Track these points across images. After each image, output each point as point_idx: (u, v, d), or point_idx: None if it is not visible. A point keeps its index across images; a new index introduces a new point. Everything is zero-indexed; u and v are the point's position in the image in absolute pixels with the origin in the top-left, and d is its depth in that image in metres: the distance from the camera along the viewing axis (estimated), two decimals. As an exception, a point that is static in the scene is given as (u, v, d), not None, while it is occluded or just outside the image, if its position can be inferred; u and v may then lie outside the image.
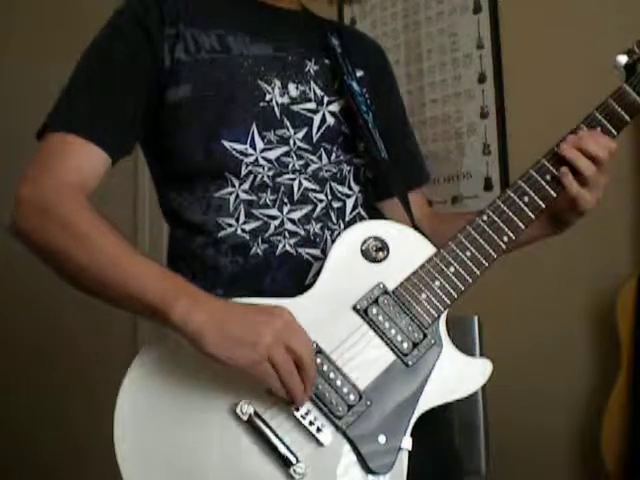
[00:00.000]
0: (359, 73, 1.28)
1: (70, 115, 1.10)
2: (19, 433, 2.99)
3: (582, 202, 1.11)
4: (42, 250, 1.03)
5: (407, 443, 1.00)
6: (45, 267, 1.04)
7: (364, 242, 1.06)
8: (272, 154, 1.14)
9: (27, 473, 2.89)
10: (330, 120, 1.19)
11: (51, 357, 3.00)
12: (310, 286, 1.05)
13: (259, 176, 1.13)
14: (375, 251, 1.06)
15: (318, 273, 1.06)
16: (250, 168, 1.12)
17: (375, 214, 1.22)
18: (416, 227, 1.14)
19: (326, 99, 1.20)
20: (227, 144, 1.12)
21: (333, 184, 1.17)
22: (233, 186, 1.13)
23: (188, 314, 0.94)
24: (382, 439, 0.99)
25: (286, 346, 0.93)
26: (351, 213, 1.18)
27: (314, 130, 1.18)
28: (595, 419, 1.95)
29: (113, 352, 2.64)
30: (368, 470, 0.99)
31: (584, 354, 2.08)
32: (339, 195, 1.18)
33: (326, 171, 1.17)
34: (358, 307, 1.03)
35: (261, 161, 1.13)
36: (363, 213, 1.19)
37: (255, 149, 1.13)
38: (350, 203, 1.19)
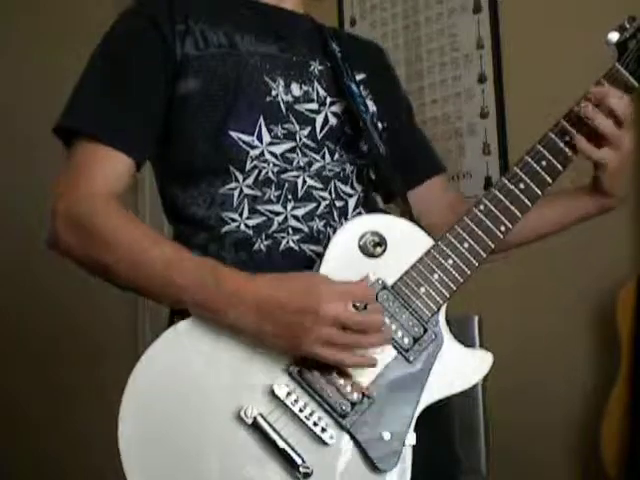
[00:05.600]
0: (360, 76, 1.28)
1: (93, 120, 1.11)
2: (18, 429, 2.99)
3: (604, 163, 1.08)
4: (84, 264, 1.07)
5: (411, 439, 1.00)
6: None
7: (362, 237, 1.05)
8: (278, 149, 1.14)
9: (29, 469, 2.89)
10: (332, 120, 1.20)
11: (49, 348, 3.00)
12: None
13: (263, 171, 1.13)
14: (373, 246, 1.05)
15: (318, 270, 1.05)
16: (255, 162, 1.13)
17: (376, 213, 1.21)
18: (414, 221, 1.14)
19: (329, 100, 1.21)
20: (234, 135, 1.13)
21: (337, 183, 1.18)
22: (237, 181, 1.13)
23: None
24: (387, 436, 0.99)
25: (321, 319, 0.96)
26: (353, 212, 1.18)
27: (317, 130, 1.18)
28: (595, 419, 1.95)
29: (113, 345, 2.66)
30: (374, 467, 0.99)
31: (584, 354, 2.08)
32: (342, 194, 1.18)
33: (329, 170, 1.17)
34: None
35: (267, 155, 1.13)
36: (364, 213, 1.19)
37: (262, 142, 1.13)
38: (352, 202, 1.19)
